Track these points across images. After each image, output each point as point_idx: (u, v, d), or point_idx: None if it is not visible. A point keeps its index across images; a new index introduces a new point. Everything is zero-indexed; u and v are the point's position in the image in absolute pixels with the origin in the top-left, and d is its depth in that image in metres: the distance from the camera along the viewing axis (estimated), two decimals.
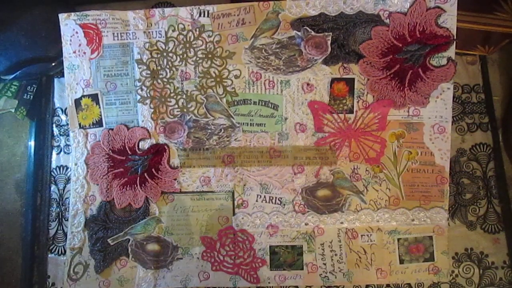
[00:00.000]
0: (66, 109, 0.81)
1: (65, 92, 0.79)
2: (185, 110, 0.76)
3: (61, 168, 0.82)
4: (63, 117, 0.83)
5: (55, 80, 0.85)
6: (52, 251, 0.80)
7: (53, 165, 0.83)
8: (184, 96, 0.76)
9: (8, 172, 0.85)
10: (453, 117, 0.76)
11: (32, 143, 0.84)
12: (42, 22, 0.81)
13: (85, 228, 0.77)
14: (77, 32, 0.77)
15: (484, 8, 0.74)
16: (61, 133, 0.83)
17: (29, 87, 0.85)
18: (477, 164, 0.79)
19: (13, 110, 0.84)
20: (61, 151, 0.83)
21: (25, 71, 0.81)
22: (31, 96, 0.85)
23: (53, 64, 0.82)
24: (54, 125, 0.84)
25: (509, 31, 0.74)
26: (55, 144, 0.83)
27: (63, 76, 0.81)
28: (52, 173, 0.83)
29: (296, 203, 0.75)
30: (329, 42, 0.74)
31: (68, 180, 0.81)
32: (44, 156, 0.83)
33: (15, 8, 0.80)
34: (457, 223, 0.77)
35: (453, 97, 0.74)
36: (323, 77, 0.75)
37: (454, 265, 0.76)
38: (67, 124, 0.81)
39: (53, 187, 0.82)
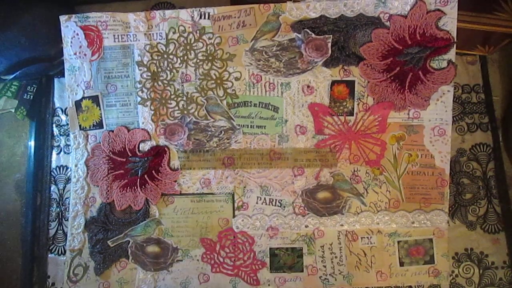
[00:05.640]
0: (66, 109, 0.81)
1: (65, 92, 0.79)
2: (185, 112, 0.76)
3: (61, 168, 0.82)
4: (63, 117, 0.83)
5: (55, 80, 0.85)
6: (52, 251, 0.80)
7: (53, 165, 0.83)
8: (184, 98, 0.76)
9: (8, 172, 0.85)
10: (453, 117, 0.76)
11: (32, 143, 0.84)
12: (42, 22, 0.80)
13: (85, 229, 0.77)
14: (78, 34, 0.77)
15: (484, 8, 0.74)
16: (61, 133, 0.83)
17: (29, 87, 0.85)
18: (477, 164, 0.79)
19: (13, 110, 0.84)
20: (61, 151, 0.83)
21: (25, 71, 0.81)
22: (31, 96, 0.85)
23: (53, 64, 0.82)
24: (54, 125, 0.84)
25: (509, 31, 0.74)
26: (55, 144, 0.83)
27: (63, 76, 0.80)
28: (52, 173, 0.83)
29: (296, 205, 0.75)
30: (329, 45, 0.74)
31: (68, 180, 0.81)
32: (44, 156, 0.83)
33: (15, 8, 0.80)
34: (457, 223, 0.77)
35: (453, 97, 0.74)
36: (324, 80, 0.75)
37: (454, 265, 0.76)
38: (67, 124, 0.81)
39: (53, 187, 0.82)
